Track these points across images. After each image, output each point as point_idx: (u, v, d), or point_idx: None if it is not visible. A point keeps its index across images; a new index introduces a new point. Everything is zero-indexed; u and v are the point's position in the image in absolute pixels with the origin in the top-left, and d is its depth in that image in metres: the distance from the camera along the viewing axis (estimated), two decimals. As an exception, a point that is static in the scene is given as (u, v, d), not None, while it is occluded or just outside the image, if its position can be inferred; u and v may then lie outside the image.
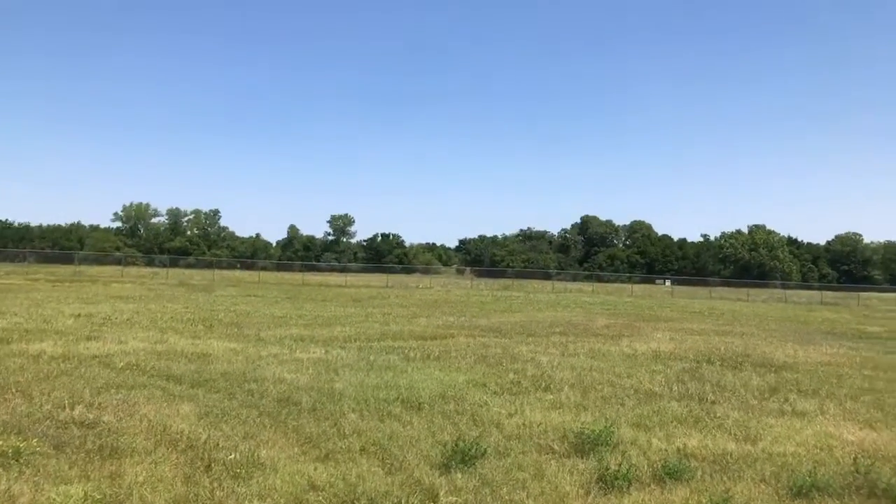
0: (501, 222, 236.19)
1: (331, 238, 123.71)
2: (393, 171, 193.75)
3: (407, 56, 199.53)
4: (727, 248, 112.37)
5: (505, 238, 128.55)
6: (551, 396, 8.58)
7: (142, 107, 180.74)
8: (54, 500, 4.40)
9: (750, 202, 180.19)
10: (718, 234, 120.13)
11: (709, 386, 9.78)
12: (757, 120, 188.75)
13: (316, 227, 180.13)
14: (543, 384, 9.43)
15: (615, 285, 73.65)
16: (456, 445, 5.70)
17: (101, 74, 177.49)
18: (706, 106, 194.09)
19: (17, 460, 5.14)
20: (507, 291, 49.41)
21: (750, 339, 17.87)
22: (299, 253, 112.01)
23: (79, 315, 17.00)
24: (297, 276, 62.98)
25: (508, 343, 14.62)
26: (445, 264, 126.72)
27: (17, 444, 5.48)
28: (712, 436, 6.84)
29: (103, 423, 6.38)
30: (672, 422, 7.37)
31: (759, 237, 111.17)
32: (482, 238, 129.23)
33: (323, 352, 12.00)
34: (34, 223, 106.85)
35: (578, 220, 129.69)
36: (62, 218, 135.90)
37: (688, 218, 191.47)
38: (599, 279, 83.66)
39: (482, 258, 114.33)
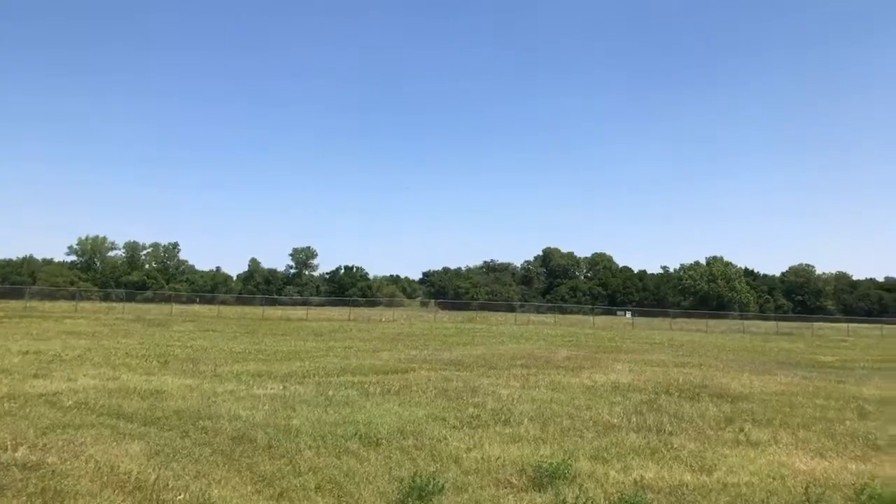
0: (465, 254, 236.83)
1: (293, 271, 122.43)
2: (356, 204, 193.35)
3: (370, 89, 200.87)
4: (686, 280, 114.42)
5: (469, 270, 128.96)
6: (511, 430, 8.57)
7: (100, 139, 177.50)
8: (-10, 547, 4.21)
9: (707, 235, 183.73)
10: (678, 266, 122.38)
11: (666, 417, 9.89)
12: (714, 155, 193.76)
13: (278, 261, 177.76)
14: (503, 417, 9.42)
15: (577, 317, 74.17)
16: (413, 481, 5.65)
17: (56, 102, 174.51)
18: (665, 142, 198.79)
19: (-48, 506, 4.93)
20: (471, 324, 49.40)
21: (708, 369, 18.13)
22: (260, 286, 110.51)
23: (27, 352, 16.44)
24: (258, 310, 62.01)
25: (470, 376, 14.58)
26: (409, 297, 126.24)
27: (-47, 488, 5.26)
28: (668, 467, 6.90)
29: (47, 464, 6.17)
30: (630, 453, 7.42)
31: (716, 269, 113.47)
32: (446, 270, 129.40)
33: (281, 387, 11.80)
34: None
35: (541, 252, 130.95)
36: (13, 251, 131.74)
37: (647, 250, 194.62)
38: (562, 311, 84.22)
39: (446, 290, 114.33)
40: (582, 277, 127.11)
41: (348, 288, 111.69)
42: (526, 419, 9.31)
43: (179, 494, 5.38)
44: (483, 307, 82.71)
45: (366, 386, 12.28)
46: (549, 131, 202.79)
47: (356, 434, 7.86)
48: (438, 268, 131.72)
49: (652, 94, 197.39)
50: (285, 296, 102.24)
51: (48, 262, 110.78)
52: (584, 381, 14.33)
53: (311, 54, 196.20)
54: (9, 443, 6.88)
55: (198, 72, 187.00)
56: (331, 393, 11.24)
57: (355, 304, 74.63)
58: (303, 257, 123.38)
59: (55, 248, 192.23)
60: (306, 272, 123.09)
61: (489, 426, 8.82)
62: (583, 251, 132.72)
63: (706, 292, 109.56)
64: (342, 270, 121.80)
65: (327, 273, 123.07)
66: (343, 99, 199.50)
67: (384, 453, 7.05)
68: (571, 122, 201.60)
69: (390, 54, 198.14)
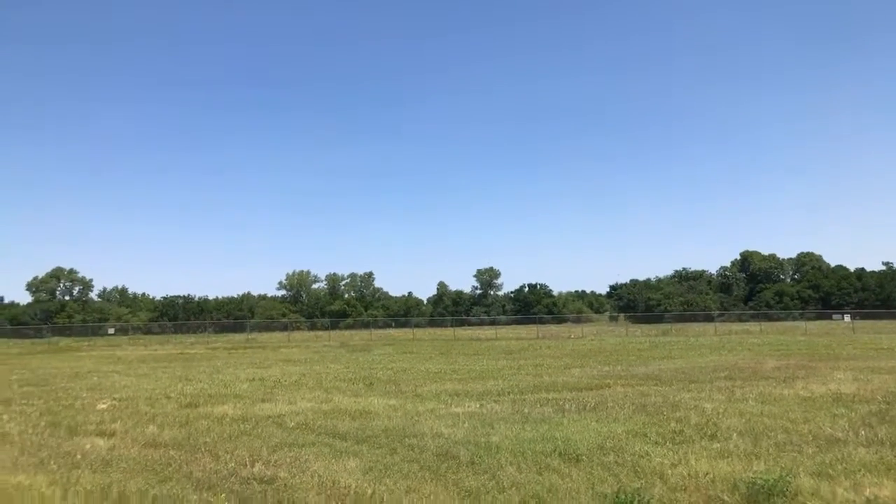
0: (654, 264, 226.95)
1: (478, 292, 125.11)
2: (536, 221, 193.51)
3: (541, 101, 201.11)
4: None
5: (659, 281, 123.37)
6: (718, 445, 8.10)
7: (299, 183, 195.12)
8: (242, 550, 4.79)
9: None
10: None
11: (903, 430, 8.78)
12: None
13: (463, 282, 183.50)
14: (709, 432, 8.93)
15: (785, 323, 68.19)
16: (617, 497, 5.56)
17: (253, 163, 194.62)
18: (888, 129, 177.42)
19: (208, 513, 5.67)
20: (666, 337, 47.26)
21: (952, 376, 15.81)
22: (449, 308, 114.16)
23: (253, 379, 18.42)
24: (449, 332, 64.16)
25: (668, 391, 13.98)
26: (597, 312, 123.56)
27: (209, 498, 6.05)
28: (909, 485, 6.13)
29: (279, 479, 6.86)
30: (859, 470, 6.69)
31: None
32: (634, 282, 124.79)
33: (478, 405, 12.13)
34: (211, 296, 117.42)
35: (738, 257, 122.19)
36: (234, 290, 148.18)
37: (863, 245, 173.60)
38: (767, 318, 77.95)
39: (636, 303, 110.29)
40: (788, 280, 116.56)
41: (533, 306, 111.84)
42: (734, 434, 8.75)
43: (399, 507, 5.75)
44: (678, 319, 78.71)
45: (561, 403, 12.24)
46: (740, 131, 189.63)
47: (555, 450, 7.87)
48: (626, 280, 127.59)
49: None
50: (473, 316, 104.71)
51: (263, 297, 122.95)
52: (798, 392, 13.15)
53: (484, 73, 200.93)
54: (247, 459, 7.77)
55: (377, 103, 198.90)
56: (526, 410, 11.35)
57: (542, 322, 74.60)
58: (487, 278, 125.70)
59: (268, 284, 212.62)
60: (491, 292, 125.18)
61: (694, 441, 8.40)
62: (786, 252, 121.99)
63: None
64: (526, 288, 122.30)
65: (511, 292, 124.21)
66: (509, 113, 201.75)
67: (585, 469, 6.99)
68: (764, 118, 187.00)
69: (564, 68, 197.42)
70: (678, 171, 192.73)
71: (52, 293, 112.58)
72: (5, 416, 11.74)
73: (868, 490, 5.96)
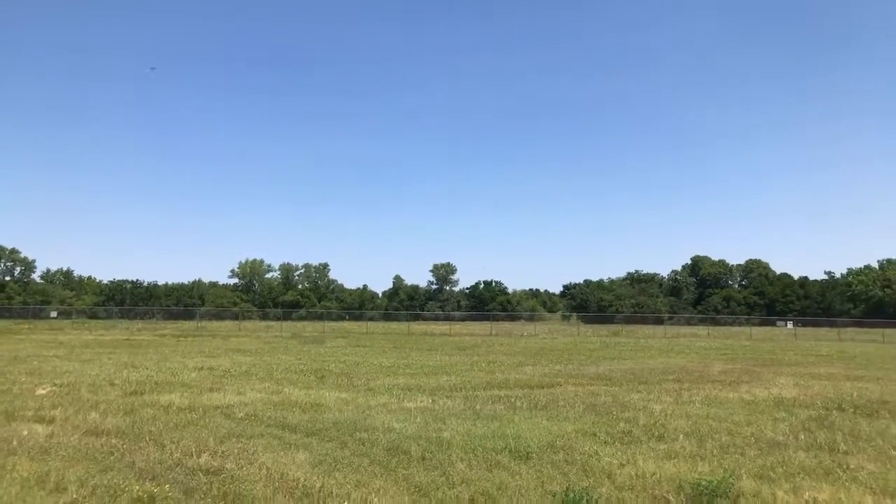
0: (607, 266, 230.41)
1: (434, 287, 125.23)
2: (493, 218, 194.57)
3: (505, 103, 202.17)
4: (856, 286, 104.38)
5: (612, 282, 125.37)
6: (665, 446, 8.25)
7: (253, 168, 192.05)
8: (184, 543, 4.66)
9: (878, 236, 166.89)
10: (845, 271, 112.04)
11: (840, 435, 9.08)
12: (889, 152, 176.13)
13: (419, 277, 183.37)
14: (656, 433, 9.09)
15: (732, 328, 69.99)
16: (566, 496, 5.61)
17: (225, 144, 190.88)
18: (834, 146, 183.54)
19: (151, 505, 5.52)
20: (616, 338, 48.06)
21: (888, 383, 16.45)
22: (404, 302, 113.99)
23: (201, 368, 18.05)
24: (403, 326, 64.05)
25: (618, 391, 14.20)
26: (550, 311, 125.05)
27: (152, 489, 5.89)
28: (846, 488, 6.34)
29: (226, 470, 6.73)
30: (799, 473, 6.90)
31: (892, 273, 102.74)
32: (587, 283, 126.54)
33: (430, 401, 12.12)
34: (161, 282, 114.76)
35: (689, 261, 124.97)
36: (184, 276, 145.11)
37: (807, 255, 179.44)
38: (715, 322, 79.81)
39: (588, 304, 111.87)
40: (736, 286, 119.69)
41: (488, 302, 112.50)
42: (681, 435, 8.93)
43: (343, 502, 5.69)
44: (629, 320, 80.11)
45: (512, 400, 12.31)
46: (691, 136, 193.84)
47: (506, 448, 7.90)
48: (579, 280, 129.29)
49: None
50: (428, 311, 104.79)
51: (214, 285, 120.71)
52: (742, 395, 13.51)
53: (457, 75, 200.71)
54: (193, 449, 7.59)
55: (340, 98, 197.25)
56: (478, 407, 11.38)
57: (496, 319, 75.06)
58: (443, 273, 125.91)
59: (220, 271, 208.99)
60: (447, 287, 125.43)
61: (642, 442, 8.54)
62: (735, 258, 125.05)
63: (880, 299, 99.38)
64: (481, 285, 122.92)
65: (467, 288, 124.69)
66: (474, 105, 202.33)
67: (535, 467, 7.04)
68: (714, 126, 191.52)
69: (533, 65, 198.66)
70: (636, 175, 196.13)
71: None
72: (-63, 400, 11.24)
73: (807, 493, 6.14)
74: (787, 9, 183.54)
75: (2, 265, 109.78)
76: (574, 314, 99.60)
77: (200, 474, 6.55)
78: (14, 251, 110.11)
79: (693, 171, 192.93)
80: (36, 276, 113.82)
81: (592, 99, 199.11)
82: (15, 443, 7.88)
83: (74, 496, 5.74)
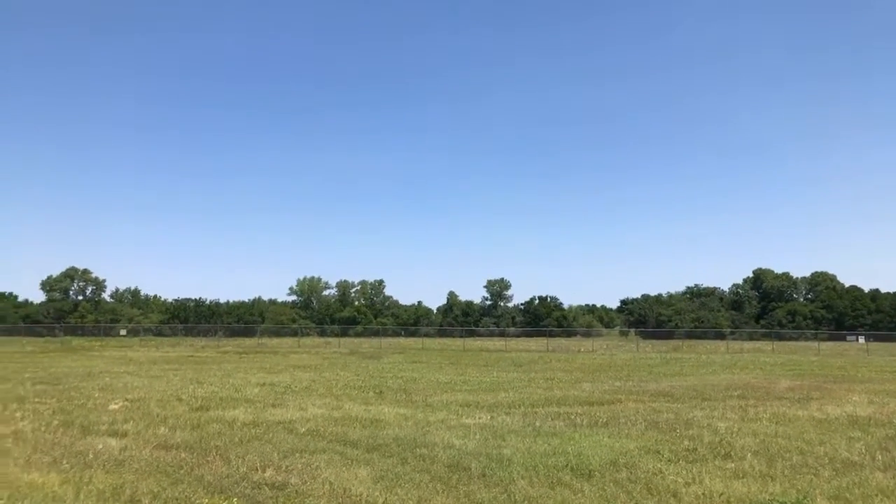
0: (666, 280, 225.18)
1: (488, 303, 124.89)
2: (548, 233, 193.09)
3: (558, 111, 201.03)
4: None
5: (671, 296, 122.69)
6: (732, 465, 8.02)
7: (311, 188, 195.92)
8: (254, 555, 4.77)
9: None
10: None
11: (921, 455, 8.64)
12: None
13: (474, 293, 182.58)
14: (723, 451, 8.84)
15: (798, 343, 67.60)
16: (631, 515, 5.50)
17: (278, 162, 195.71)
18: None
19: (220, 518, 5.66)
20: (677, 353, 46.95)
21: (970, 401, 15.57)
22: (459, 318, 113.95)
23: (263, 384, 18.45)
24: (458, 342, 64.02)
25: (681, 408, 13.87)
26: (607, 326, 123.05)
27: (221, 502, 6.04)
28: (930, 513, 6.04)
29: (291, 485, 6.85)
30: (877, 495, 6.60)
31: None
32: (645, 297, 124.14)
33: (488, 417, 12.08)
34: (223, 300, 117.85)
35: (751, 274, 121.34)
36: (245, 294, 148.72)
37: (879, 266, 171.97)
38: (779, 337, 77.22)
39: (647, 319, 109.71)
40: (801, 300, 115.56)
41: (543, 318, 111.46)
42: (749, 454, 8.66)
43: (406, 517, 5.72)
44: (689, 335, 78.16)
45: (572, 417, 12.16)
46: (750, 142, 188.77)
47: (567, 465, 7.82)
48: (637, 295, 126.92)
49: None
50: (482, 327, 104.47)
51: (273, 302, 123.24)
52: (813, 413, 13.00)
53: (501, 85, 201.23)
54: (258, 464, 7.76)
55: (394, 120, 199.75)
56: (538, 423, 11.29)
57: (552, 335, 74.20)
58: (497, 289, 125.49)
59: (279, 289, 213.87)
60: (501, 303, 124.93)
61: (708, 460, 8.32)
62: (800, 271, 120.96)
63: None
64: (536, 301, 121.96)
65: (522, 304, 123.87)
66: (526, 121, 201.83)
67: (598, 485, 6.93)
68: (783, 133, 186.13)
69: (577, 80, 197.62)
70: (693, 186, 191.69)
71: (66, 292, 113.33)
72: (18, 414, 11.80)
73: (887, 515, 5.88)
74: (848, 8, 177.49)
75: (75, 286, 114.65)
76: (632, 330, 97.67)
77: (266, 488, 6.69)
78: (86, 272, 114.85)
79: (752, 180, 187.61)
80: (106, 296, 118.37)
81: (646, 105, 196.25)
82: (91, 456, 8.21)
83: (148, 508, 5.95)
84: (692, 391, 17.61)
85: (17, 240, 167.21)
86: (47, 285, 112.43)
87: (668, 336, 78.98)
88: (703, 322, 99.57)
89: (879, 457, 8.56)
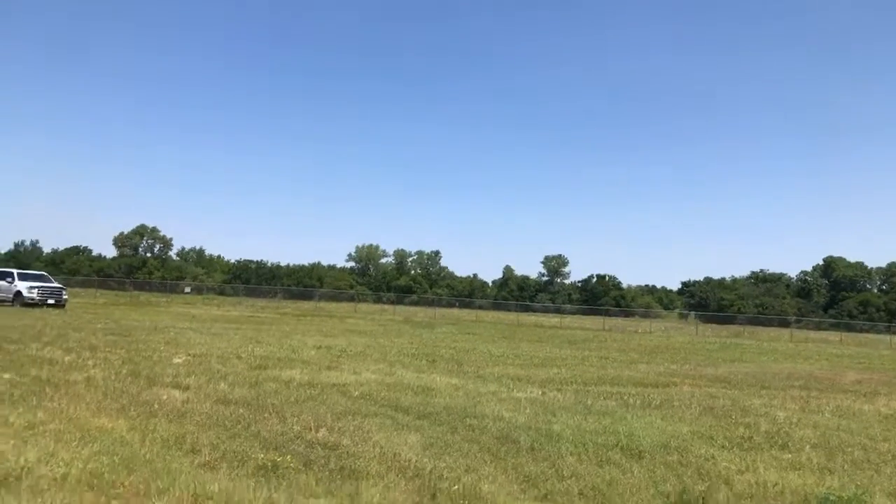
0: (729, 264, 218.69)
1: (545, 279, 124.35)
2: (609, 211, 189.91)
3: (622, 86, 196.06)
4: None
5: (734, 281, 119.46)
6: (789, 455, 7.80)
7: (368, 154, 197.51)
8: (304, 511, 4.93)
9: None
10: None
11: None
12: None
13: (530, 268, 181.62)
14: (780, 441, 8.61)
15: (869, 336, 64.80)
16: (680, 497, 5.43)
17: (340, 132, 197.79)
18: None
19: (274, 473, 5.85)
20: (738, 339, 45.81)
21: None
22: (514, 293, 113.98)
23: (320, 347, 18.89)
24: (513, 316, 64.01)
25: (738, 395, 13.55)
26: (666, 308, 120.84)
27: (275, 458, 6.25)
28: None
29: (342, 446, 7.02)
30: (945, 496, 6.32)
31: None
32: (708, 280, 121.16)
33: (540, 392, 12.07)
34: (283, 263, 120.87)
35: (821, 262, 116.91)
36: (304, 258, 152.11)
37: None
38: (849, 328, 74.42)
39: (708, 302, 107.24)
40: (875, 291, 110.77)
41: (600, 297, 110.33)
42: (807, 446, 8.40)
43: (454, 485, 5.79)
44: (751, 321, 76.01)
45: (625, 397, 12.04)
46: (825, 124, 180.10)
47: (617, 444, 7.75)
48: (699, 278, 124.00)
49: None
50: (538, 303, 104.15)
51: (332, 268, 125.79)
52: (879, 408, 12.50)
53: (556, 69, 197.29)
54: (312, 424, 7.97)
55: (451, 99, 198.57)
56: (589, 402, 11.22)
57: (608, 314, 73.36)
58: (554, 265, 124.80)
59: (338, 255, 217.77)
60: (558, 280, 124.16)
61: (763, 449, 8.12)
62: (874, 261, 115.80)
63: None
64: (594, 279, 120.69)
65: (579, 281, 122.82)
66: (589, 102, 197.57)
67: (647, 466, 6.86)
68: (853, 115, 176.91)
69: (649, 54, 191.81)
70: (765, 168, 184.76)
71: (136, 249, 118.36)
72: (90, 362, 12.42)
73: (953, 518, 5.63)
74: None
75: (144, 242, 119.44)
76: (692, 313, 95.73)
77: (319, 448, 6.87)
78: (155, 230, 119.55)
79: (827, 164, 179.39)
80: (172, 254, 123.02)
81: (713, 83, 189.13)
82: (156, 405, 8.58)
83: (207, 458, 6.18)
84: (751, 378, 17.18)
85: (92, 197, 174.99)
86: (119, 241, 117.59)
87: (730, 321, 77.00)
88: (767, 308, 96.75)
89: (949, 457, 8.18)
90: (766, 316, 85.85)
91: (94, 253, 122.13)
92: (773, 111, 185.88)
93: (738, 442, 8.47)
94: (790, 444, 8.51)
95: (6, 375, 10.29)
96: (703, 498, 5.51)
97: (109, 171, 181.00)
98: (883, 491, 6.39)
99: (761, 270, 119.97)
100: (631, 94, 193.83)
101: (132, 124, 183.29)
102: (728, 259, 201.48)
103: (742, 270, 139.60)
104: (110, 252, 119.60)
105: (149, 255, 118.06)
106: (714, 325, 70.32)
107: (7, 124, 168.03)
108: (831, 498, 5.74)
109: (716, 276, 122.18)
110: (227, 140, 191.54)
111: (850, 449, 8.38)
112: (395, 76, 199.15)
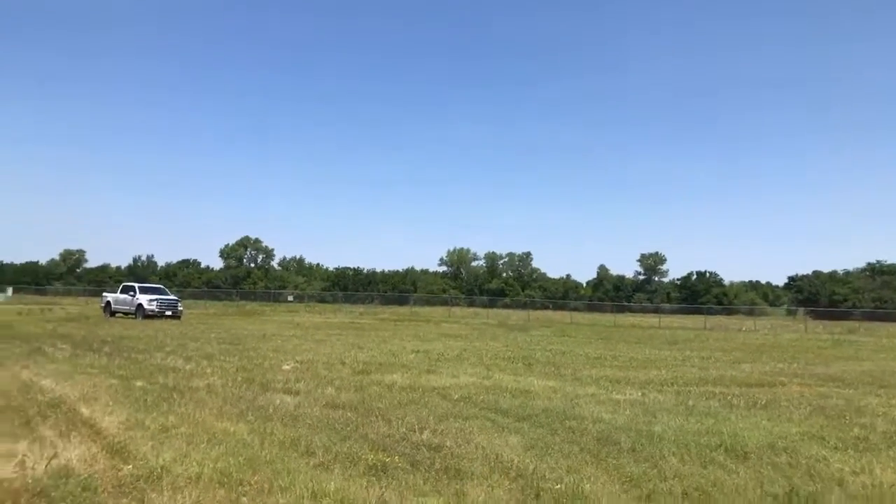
0: (842, 256, 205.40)
1: (641, 277, 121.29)
2: (706, 204, 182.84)
3: (728, 78, 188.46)
4: None
5: (847, 274, 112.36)
6: (909, 457, 7.45)
7: (458, 161, 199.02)
8: (415, 507, 5.22)
9: None
10: None
11: None
12: None
13: (626, 267, 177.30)
14: (899, 443, 8.22)
15: None
16: (789, 498, 5.36)
17: (428, 134, 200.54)
18: None
19: (384, 472, 6.20)
20: (853, 336, 43.18)
21: None
22: (609, 293, 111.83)
23: (418, 351, 19.39)
24: (609, 317, 62.89)
25: (853, 394, 12.92)
26: (772, 304, 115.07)
27: (384, 458, 6.61)
28: None
29: (446, 447, 7.30)
30: None
31: None
32: (817, 274, 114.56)
33: (639, 394, 11.98)
34: (378, 269, 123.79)
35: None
36: (399, 264, 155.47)
37: None
38: (979, 322, 68.37)
39: (818, 297, 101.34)
40: None
41: (701, 295, 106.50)
42: (931, 448, 7.99)
43: (556, 485, 5.94)
44: (868, 317, 71.32)
45: (728, 398, 11.76)
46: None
47: (721, 445, 7.66)
48: (808, 271, 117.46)
49: None
50: (634, 303, 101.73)
51: (425, 272, 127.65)
52: None
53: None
54: (416, 426, 8.31)
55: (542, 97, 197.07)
56: (691, 402, 11.05)
57: (710, 312, 70.70)
58: (651, 263, 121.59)
59: (430, 259, 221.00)
60: (655, 278, 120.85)
61: (881, 450, 7.78)
62: None
63: None
64: (694, 276, 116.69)
65: (678, 279, 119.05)
66: (687, 97, 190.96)
67: (754, 467, 6.76)
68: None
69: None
70: (875, 151, 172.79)
71: (240, 260, 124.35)
72: (209, 370, 13.35)
73: None
74: None
75: (248, 253, 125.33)
76: (800, 309, 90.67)
77: (424, 449, 7.18)
78: (258, 241, 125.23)
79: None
80: (274, 264, 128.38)
81: (823, 67, 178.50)
82: (271, 410, 9.18)
83: (321, 459, 6.61)
84: (867, 377, 16.28)
85: (198, 212, 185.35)
86: (224, 253, 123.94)
87: (843, 317, 72.60)
88: (885, 303, 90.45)
89: None
90: (884, 310, 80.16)
91: (203, 265, 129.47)
92: (884, 91, 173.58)
93: (852, 443, 8.16)
94: (910, 445, 8.12)
95: (139, 383, 11.28)
96: (813, 499, 5.41)
97: (212, 186, 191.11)
98: None
99: (878, 262, 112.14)
100: (729, 85, 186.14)
101: (226, 139, 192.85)
102: (839, 251, 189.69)
103: (856, 262, 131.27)
104: (217, 264, 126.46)
105: (252, 265, 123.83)
106: (825, 322, 66.44)
107: (113, 142, 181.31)
108: (955, 501, 5.50)
109: (826, 269, 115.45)
110: (315, 147, 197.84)
111: (977, 451, 7.90)
112: (485, 72, 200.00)
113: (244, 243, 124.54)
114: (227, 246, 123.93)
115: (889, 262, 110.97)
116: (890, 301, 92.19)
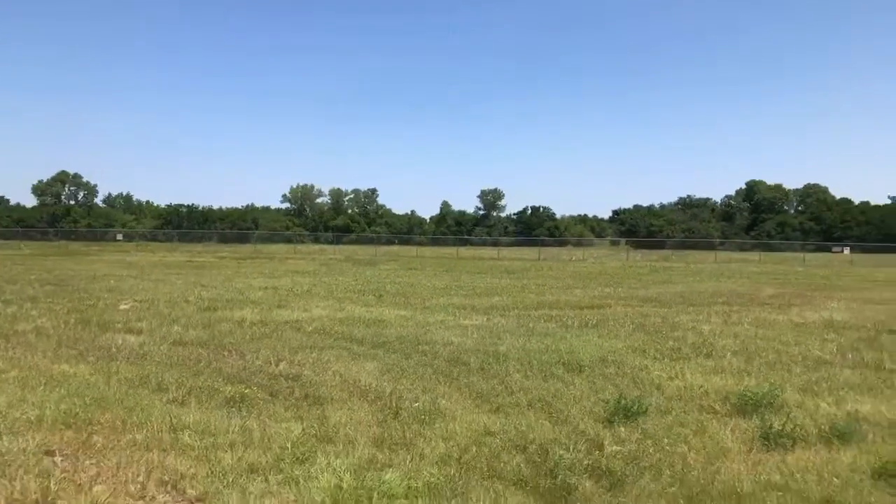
0: (658, 191, 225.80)
1: (482, 213, 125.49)
2: (541, 143, 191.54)
3: (553, 24, 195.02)
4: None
5: (662, 207, 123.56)
6: (712, 362, 8.62)
7: (302, 97, 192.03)
8: (280, 434, 5.31)
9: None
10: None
11: (887, 355, 9.27)
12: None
13: (467, 203, 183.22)
14: (704, 351, 9.45)
15: (785, 254, 68.57)
16: (618, 403, 6.06)
17: (272, 65, 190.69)
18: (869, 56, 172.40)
19: (243, 403, 6.19)
20: (666, 263, 47.92)
21: (943, 309, 16.32)
22: (452, 228, 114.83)
23: (266, 287, 19.02)
24: (452, 251, 64.81)
25: (668, 312, 14.53)
26: (599, 236, 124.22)
27: (243, 390, 6.59)
28: (888, 401, 6.64)
29: (304, 376, 7.40)
30: (843, 388, 7.21)
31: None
32: (637, 208, 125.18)
33: (485, 319, 12.69)
34: (215, 206, 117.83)
35: (743, 186, 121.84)
36: (238, 201, 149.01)
37: (870, 178, 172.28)
38: (768, 248, 78.38)
39: (638, 229, 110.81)
40: (792, 212, 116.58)
41: (535, 228, 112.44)
42: (729, 353, 9.27)
43: (414, 403, 6.28)
44: (679, 246, 79.38)
45: (564, 319, 12.79)
46: (746, 51, 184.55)
47: (560, 361, 8.40)
48: (629, 206, 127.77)
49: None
50: (475, 236, 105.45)
51: (266, 210, 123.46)
52: (792, 318, 13.68)
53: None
54: (271, 359, 8.30)
55: (387, 27, 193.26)
56: (531, 325, 11.90)
57: (544, 244, 75.02)
58: (490, 199, 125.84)
59: (272, 196, 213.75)
60: (494, 213, 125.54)
61: (690, 358, 8.93)
62: (792, 182, 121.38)
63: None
64: (529, 211, 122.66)
65: (514, 213, 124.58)
66: (532, 35, 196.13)
67: (588, 378, 7.52)
68: (780, 42, 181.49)
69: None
70: (688, 96, 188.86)
71: (58, 197, 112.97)
72: (34, 312, 12.29)
73: (849, 405, 6.48)
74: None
75: (67, 190, 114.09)
76: (623, 240, 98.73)
77: (282, 380, 7.23)
78: (77, 176, 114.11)
79: (749, 90, 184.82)
80: (98, 201, 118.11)
81: (642, 9, 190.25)
82: (113, 350, 8.72)
83: (175, 395, 6.46)
84: (679, 298, 18.31)
85: (6, 142, 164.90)
86: (39, 189, 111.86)
87: (659, 246, 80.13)
88: (693, 233, 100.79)
89: (850, 356, 9.18)
90: (692, 240, 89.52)
91: (13, 203, 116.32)
92: (695, 41, 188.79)
93: (668, 353, 9.26)
94: (714, 352, 9.36)
95: (-49, 329, 10.17)
96: (638, 402, 6.15)
97: (22, 115, 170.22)
98: (793, 386, 7.23)
99: (688, 196, 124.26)
100: (557, 25, 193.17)
101: (42, 58, 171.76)
102: (657, 187, 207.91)
103: (670, 197, 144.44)
104: (30, 201, 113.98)
105: (72, 202, 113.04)
106: (644, 251, 73.07)
107: None
108: (748, 394, 6.49)
109: (645, 203, 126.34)
110: (149, 73, 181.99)
111: (765, 353, 9.30)
112: (324, 8, 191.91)
113: (61, 178, 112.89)
114: (40, 182, 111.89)
115: (697, 196, 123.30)
116: (697, 231, 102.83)
